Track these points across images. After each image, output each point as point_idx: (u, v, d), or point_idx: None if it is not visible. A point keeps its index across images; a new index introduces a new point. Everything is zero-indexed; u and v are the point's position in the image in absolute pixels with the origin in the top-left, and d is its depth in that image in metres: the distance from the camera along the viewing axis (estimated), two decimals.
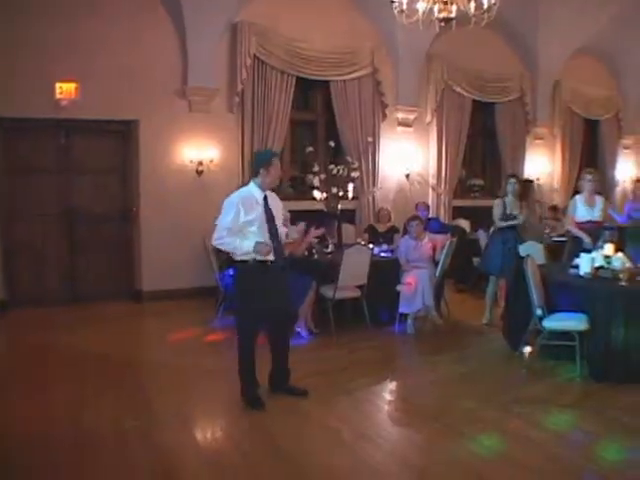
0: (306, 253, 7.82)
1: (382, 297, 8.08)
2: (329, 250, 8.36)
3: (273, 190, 5.55)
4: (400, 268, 8.16)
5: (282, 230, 5.52)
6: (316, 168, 9.01)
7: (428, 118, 12.21)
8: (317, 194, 8.68)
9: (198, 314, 8.84)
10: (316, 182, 8.72)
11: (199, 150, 9.93)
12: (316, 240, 8.36)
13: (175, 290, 9.80)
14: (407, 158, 11.90)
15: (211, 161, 10.01)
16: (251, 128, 10.19)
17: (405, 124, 11.95)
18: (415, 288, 7.84)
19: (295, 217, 7.95)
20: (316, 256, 8.06)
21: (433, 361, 6.87)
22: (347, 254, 7.58)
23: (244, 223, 5.21)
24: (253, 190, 5.32)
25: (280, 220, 5.50)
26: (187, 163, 9.90)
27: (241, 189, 5.45)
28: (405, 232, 8.64)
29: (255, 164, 5.37)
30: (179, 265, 9.86)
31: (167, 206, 9.82)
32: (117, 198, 9.95)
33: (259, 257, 5.22)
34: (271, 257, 5.27)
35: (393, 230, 9.64)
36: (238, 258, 5.28)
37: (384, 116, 11.65)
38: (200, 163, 9.93)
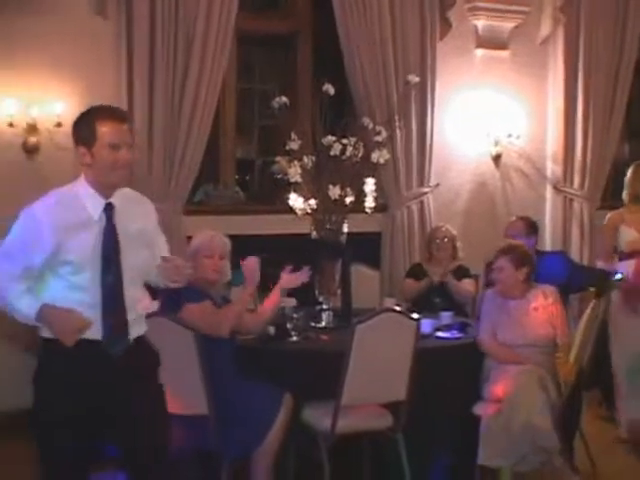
0: (272, 330, 5.15)
1: (440, 428, 5.40)
2: (324, 324, 5.73)
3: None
4: (481, 361, 5.32)
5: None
6: (295, 142, 5.72)
7: (545, 30, 7.50)
8: (296, 200, 5.79)
9: None
10: (294, 173, 5.73)
11: (28, 100, 6.58)
12: (294, 303, 5.57)
13: None
14: (496, 119, 7.49)
15: (58, 124, 6.52)
16: (149, 52, 6.37)
17: (492, 43, 7.41)
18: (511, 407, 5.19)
19: (246, 249, 5.29)
20: (294, 337, 5.44)
21: None
22: (361, 333, 5.00)
23: (58, 262, 3.23)
24: (78, 192, 3.17)
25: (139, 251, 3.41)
26: (3, 127, 6.67)
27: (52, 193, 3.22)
28: (488, 281, 5.93)
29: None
30: None
31: None
32: None
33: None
34: (96, 333, 3.28)
35: (461, 273, 6.45)
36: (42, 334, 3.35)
37: (445, 25, 7.10)
38: (31, 128, 6.59)
